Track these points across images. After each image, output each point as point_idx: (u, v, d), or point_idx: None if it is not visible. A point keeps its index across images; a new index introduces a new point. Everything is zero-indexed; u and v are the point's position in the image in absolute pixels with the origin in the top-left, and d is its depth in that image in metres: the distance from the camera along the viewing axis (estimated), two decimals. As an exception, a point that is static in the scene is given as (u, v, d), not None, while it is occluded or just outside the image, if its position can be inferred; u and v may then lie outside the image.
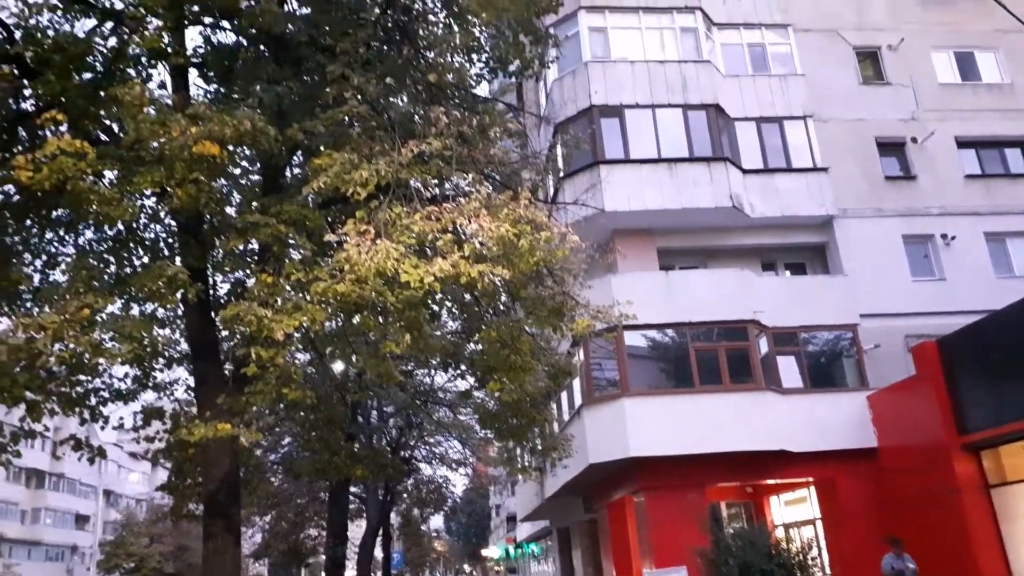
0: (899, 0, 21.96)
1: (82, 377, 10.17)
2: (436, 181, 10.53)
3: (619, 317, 11.25)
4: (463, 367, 13.46)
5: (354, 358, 13.52)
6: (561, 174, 19.35)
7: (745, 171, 19.65)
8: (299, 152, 11.72)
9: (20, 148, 10.29)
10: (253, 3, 8.92)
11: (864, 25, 21.56)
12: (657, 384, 17.92)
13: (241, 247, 9.97)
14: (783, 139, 20.29)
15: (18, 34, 10.22)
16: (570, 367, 13.28)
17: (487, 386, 11.79)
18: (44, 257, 11.72)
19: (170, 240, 11.63)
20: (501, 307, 12.48)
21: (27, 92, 10.12)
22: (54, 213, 11.01)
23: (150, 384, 12.07)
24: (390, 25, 11.71)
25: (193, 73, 11.95)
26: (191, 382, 12.39)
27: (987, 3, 20.23)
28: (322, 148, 9.94)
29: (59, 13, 10.74)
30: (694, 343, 17.76)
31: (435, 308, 12.28)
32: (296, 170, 12.60)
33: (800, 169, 20.00)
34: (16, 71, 9.90)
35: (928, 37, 21.54)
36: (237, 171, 12.47)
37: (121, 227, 11.12)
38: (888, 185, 20.36)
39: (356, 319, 11.36)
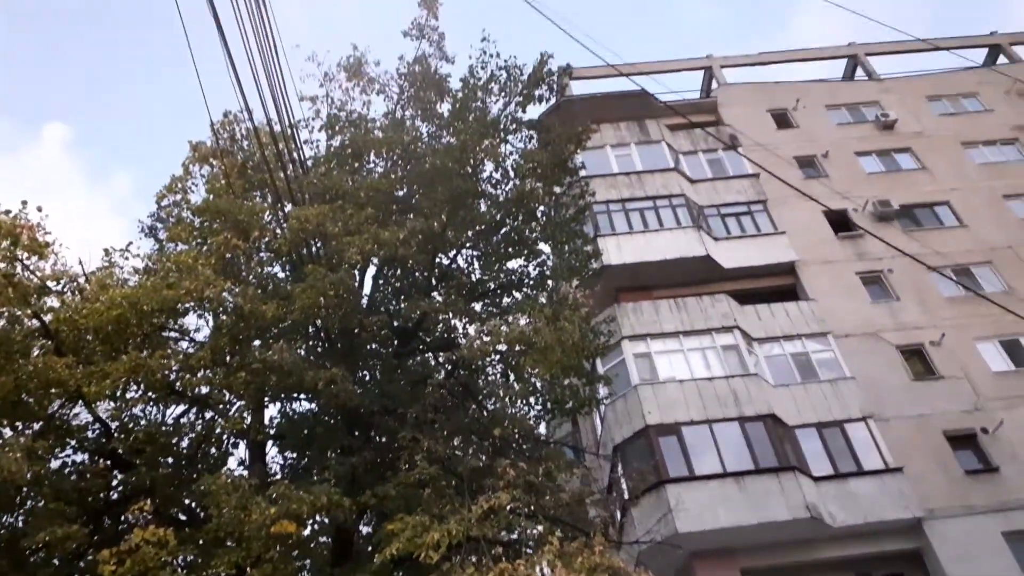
0: (928, 300, 22.88)
1: None
2: (506, 533, 10.47)
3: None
4: None
5: None
6: (626, 496, 18.97)
7: (816, 479, 19.02)
8: (369, 510, 11.86)
9: (102, 535, 10.57)
10: (330, 383, 9.73)
11: (902, 326, 22.27)
12: None
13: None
14: (848, 442, 19.90)
15: (114, 425, 11.12)
16: None
17: None
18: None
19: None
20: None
21: (115, 482, 10.74)
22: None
23: None
24: (453, 382, 12.55)
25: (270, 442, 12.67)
26: None
27: (1011, 296, 21.07)
28: (394, 509, 10.09)
29: (151, 405, 11.74)
30: None
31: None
32: (366, 528, 12.65)
33: (873, 472, 19.29)
34: (109, 463, 10.62)
35: (968, 330, 22.02)
36: (308, 533, 12.52)
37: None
38: (971, 480, 19.40)
39: None
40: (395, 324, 12.47)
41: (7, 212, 9.23)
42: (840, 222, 24.68)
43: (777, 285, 23.75)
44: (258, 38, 8.27)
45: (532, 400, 13.13)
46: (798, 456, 19.43)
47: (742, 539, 18.14)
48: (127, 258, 11.15)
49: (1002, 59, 31.13)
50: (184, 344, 11.73)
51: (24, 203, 9.35)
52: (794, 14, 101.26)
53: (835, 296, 22.97)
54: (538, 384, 13.02)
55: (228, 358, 10.58)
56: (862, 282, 23.44)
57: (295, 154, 10.86)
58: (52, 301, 10.13)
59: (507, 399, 12.14)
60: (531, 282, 13.13)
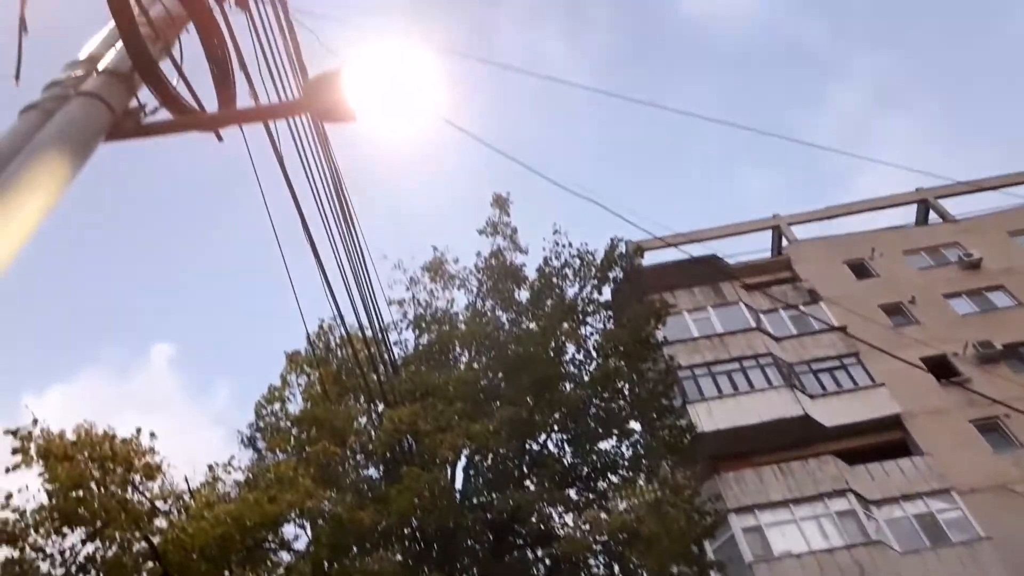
0: (1058, 444, 21.13)
1: None
2: None
3: None
4: None
5: None
6: None
7: (970, 661, 16.89)
8: None
9: None
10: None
11: (1035, 475, 20.48)
12: None
13: None
14: (997, 616, 17.79)
15: None
16: None
17: None
18: None
19: None
20: None
21: None
22: None
23: None
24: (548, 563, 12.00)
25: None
26: None
27: None
28: None
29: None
30: None
31: None
32: None
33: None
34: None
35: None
36: None
37: None
38: None
39: None
40: (489, 517, 12.19)
41: (123, 440, 9.76)
42: (942, 368, 23.52)
43: (885, 441, 22.41)
44: (349, 254, 8.88)
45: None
46: (942, 636, 17.42)
47: None
48: (229, 472, 11.45)
49: (1081, 188, 30.50)
50: (284, 555, 11.69)
51: (138, 430, 9.92)
52: (857, 175, 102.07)
53: (951, 448, 21.44)
54: (645, 575, 12.30)
55: (327, 567, 10.45)
56: (978, 431, 21.92)
57: (386, 356, 11.28)
58: (160, 521, 10.38)
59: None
60: (625, 463, 12.79)
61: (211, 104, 4.42)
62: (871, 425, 22.55)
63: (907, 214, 31.50)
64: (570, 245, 14.03)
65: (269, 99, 5.46)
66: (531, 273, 14.57)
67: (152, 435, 10.04)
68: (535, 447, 13.13)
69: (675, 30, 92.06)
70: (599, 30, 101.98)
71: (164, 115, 4.20)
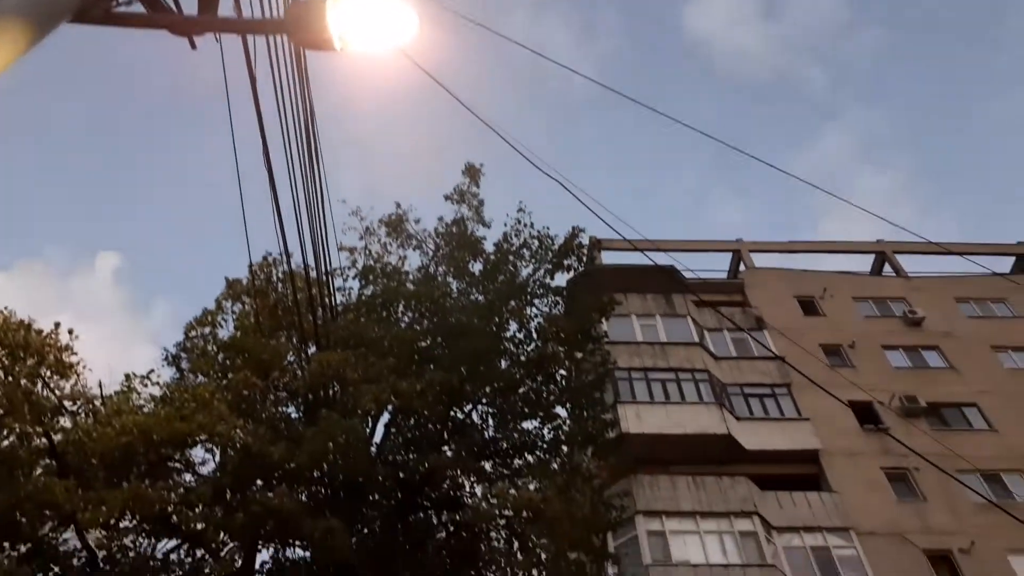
0: (958, 504, 21.87)
1: None
2: None
3: None
4: None
5: None
6: None
7: None
8: None
9: None
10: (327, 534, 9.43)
11: (929, 529, 21.22)
12: None
13: None
14: (873, 655, 18.48)
15: (101, 554, 10.80)
16: None
17: None
18: None
19: None
20: None
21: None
22: None
23: None
24: (454, 543, 12.07)
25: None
26: None
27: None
28: None
29: (143, 536, 11.39)
30: None
31: None
32: None
33: None
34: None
35: (999, 540, 20.85)
36: None
37: None
38: None
39: None
40: (401, 476, 12.20)
41: (39, 332, 9.49)
42: (866, 414, 24.20)
43: (800, 473, 23.02)
44: (307, 189, 8.73)
45: (535, 572, 12.52)
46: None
47: None
48: (146, 385, 11.21)
49: (1030, 267, 31.48)
50: (187, 476, 11.54)
51: (57, 324, 9.65)
52: (824, 218, 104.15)
53: (859, 490, 22.12)
54: (543, 556, 12.47)
55: (228, 495, 10.36)
56: (888, 478, 22.64)
57: (327, 300, 11.16)
58: (65, 421, 10.16)
59: (508, 570, 11.58)
60: (545, 446, 12.90)
61: (191, 8, 4.27)
62: (789, 455, 23.13)
63: (863, 262, 32.19)
64: (531, 225, 14.05)
65: (253, 15, 5.29)
66: (490, 247, 14.53)
67: (71, 332, 9.81)
68: (460, 415, 13.16)
69: (680, 47, 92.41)
70: (606, 33, 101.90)
71: (138, 8, 4.03)
